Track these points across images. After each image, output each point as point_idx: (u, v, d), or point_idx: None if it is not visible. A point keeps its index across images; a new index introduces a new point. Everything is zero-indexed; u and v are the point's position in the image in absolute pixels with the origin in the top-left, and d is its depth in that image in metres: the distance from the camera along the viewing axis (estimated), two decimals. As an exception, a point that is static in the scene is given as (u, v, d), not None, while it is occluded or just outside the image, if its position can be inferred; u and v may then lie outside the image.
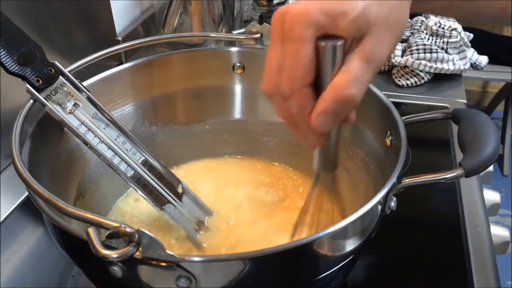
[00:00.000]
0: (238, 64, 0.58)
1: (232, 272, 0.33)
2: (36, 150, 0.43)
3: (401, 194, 0.39)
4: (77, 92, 0.44)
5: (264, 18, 0.89)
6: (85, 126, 0.44)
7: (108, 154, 0.45)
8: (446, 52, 0.88)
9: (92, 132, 0.44)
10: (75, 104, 0.43)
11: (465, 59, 0.89)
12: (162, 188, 0.49)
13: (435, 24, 0.89)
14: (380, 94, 0.48)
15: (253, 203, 0.57)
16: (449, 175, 0.38)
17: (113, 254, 0.28)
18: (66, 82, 0.43)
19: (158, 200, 0.48)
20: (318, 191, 0.43)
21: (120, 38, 0.91)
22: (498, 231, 0.63)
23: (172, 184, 0.50)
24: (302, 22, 0.31)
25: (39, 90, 0.41)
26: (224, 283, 0.33)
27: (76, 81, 0.44)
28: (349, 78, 0.31)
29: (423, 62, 0.86)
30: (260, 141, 0.63)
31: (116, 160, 0.46)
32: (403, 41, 0.93)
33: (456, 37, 0.87)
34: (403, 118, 0.45)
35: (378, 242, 0.42)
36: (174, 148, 0.61)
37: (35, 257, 0.56)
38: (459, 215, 0.59)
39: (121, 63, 0.55)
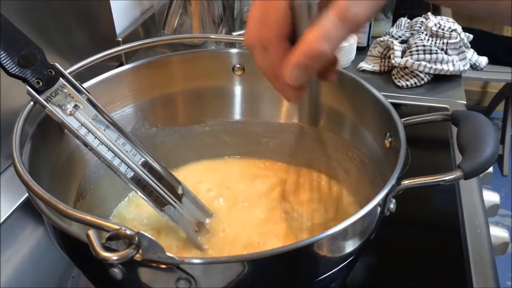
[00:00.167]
0: (238, 66, 0.59)
1: (232, 274, 0.33)
2: (36, 152, 0.43)
3: (400, 195, 0.39)
4: (77, 94, 0.44)
5: (264, 19, 0.89)
6: (85, 127, 0.44)
7: (108, 155, 0.45)
8: (446, 53, 0.88)
9: (92, 134, 0.44)
10: (75, 106, 0.43)
11: (464, 60, 0.90)
12: (162, 189, 0.49)
13: (435, 25, 0.90)
14: (380, 95, 0.48)
15: (253, 204, 0.57)
16: (448, 177, 0.38)
17: (113, 257, 0.28)
18: (66, 84, 0.43)
19: (158, 202, 0.48)
20: (303, 146, 0.43)
21: (120, 39, 0.92)
22: (498, 232, 0.63)
23: (172, 185, 0.50)
24: None
25: (39, 92, 0.41)
26: (224, 285, 0.34)
27: (76, 83, 0.44)
28: (320, 33, 0.31)
29: (423, 63, 0.86)
30: (260, 142, 0.63)
31: (116, 162, 0.46)
32: (403, 42, 0.93)
33: (456, 38, 0.87)
34: (403, 119, 0.45)
35: (378, 243, 0.43)
36: (174, 149, 0.61)
37: (35, 258, 0.56)
38: (459, 216, 0.59)
39: (121, 64, 0.56)
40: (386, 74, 0.92)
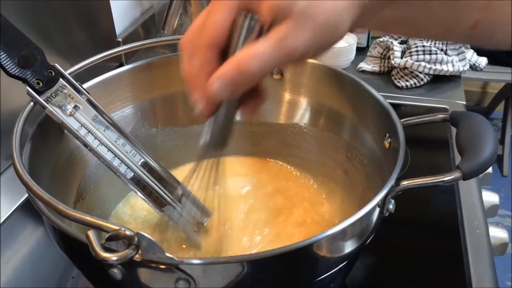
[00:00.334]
0: (238, 66, 0.59)
1: (231, 275, 0.33)
2: (36, 152, 0.43)
3: (399, 195, 0.40)
4: (77, 95, 0.44)
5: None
6: (85, 128, 0.44)
7: (108, 156, 0.45)
8: (446, 53, 0.88)
9: (92, 134, 0.44)
10: (75, 106, 0.43)
11: (464, 60, 0.90)
12: (162, 190, 0.49)
13: (435, 25, 0.89)
14: (379, 96, 0.48)
15: (253, 204, 0.57)
16: (447, 178, 0.39)
17: (112, 257, 0.28)
18: (66, 85, 0.43)
19: (158, 202, 0.49)
20: (204, 168, 0.43)
21: (120, 39, 0.92)
22: (497, 233, 0.63)
23: (171, 185, 0.50)
24: None
25: (39, 92, 0.41)
26: (223, 285, 0.34)
27: (76, 84, 0.44)
28: (254, 53, 0.31)
29: (423, 63, 0.86)
30: (259, 142, 0.63)
31: (116, 162, 0.46)
32: (402, 42, 0.94)
33: (456, 38, 0.87)
34: (402, 120, 0.45)
35: (377, 243, 0.43)
36: (174, 149, 0.61)
37: (35, 258, 0.56)
38: (458, 216, 0.59)
39: (121, 64, 0.56)
40: (386, 75, 0.93)
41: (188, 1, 0.92)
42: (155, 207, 0.48)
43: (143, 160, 0.48)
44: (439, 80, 0.89)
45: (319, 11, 0.31)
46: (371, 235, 0.41)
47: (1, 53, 0.39)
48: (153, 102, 0.58)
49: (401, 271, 0.54)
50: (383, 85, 0.89)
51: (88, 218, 0.31)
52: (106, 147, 0.45)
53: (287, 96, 0.59)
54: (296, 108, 0.59)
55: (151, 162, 0.48)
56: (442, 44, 0.88)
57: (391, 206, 0.40)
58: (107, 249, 0.29)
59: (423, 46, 0.86)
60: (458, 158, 0.40)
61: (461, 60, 0.89)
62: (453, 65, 0.87)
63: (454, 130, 0.45)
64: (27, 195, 0.60)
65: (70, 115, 0.43)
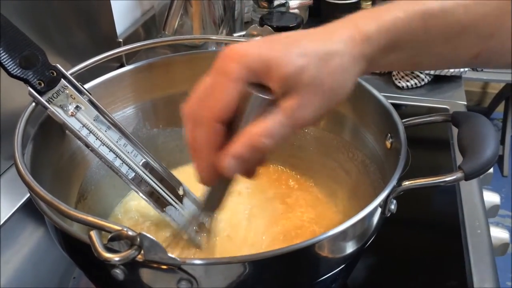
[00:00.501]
0: (239, 67, 0.59)
1: (233, 275, 0.33)
2: (38, 153, 0.43)
3: (401, 196, 0.40)
4: (79, 95, 0.44)
5: (265, 20, 0.89)
6: (87, 128, 0.44)
7: (110, 156, 0.45)
8: (446, 53, 0.88)
9: (94, 135, 0.44)
10: (77, 107, 0.44)
11: (465, 60, 0.90)
12: (163, 190, 0.49)
13: (435, 25, 0.90)
14: (381, 96, 0.48)
15: (254, 204, 0.57)
16: (448, 178, 0.39)
17: (115, 257, 0.29)
18: (68, 85, 0.43)
19: (159, 202, 0.49)
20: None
21: (121, 40, 0.92)
22: (498, 233, 0.63)
23: (173, 186, 0.50)
24: (238, 61, 0.31)
25: (41, 93, 0.41)
26: (225, 285, 0.34)
27: (78, 84, 0.44)
28: (265, 129, 0.31)
29: (423, 63, 0.86)
30: (260, 143, 0.63)
31: (117, 163, 0.46)
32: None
33: (456, 38, 0.87)
34: (403, 120, 0.45)
35: (378, 244, 0.43)
36: (175, 150, 0.61)
37: (36, 258, 0.56)
38: (459, 216, 0.59)
39: (122, 65, 0.56)
40: (386, 75, 0.92)
41: (188, 1, 0.92)
42: (156, 208, 0.48)
43: (144, 160, 0.48)
44: (440, 81, 0.89)
45: (326, 75, 0.31)
46: (373, 235, 0.41)
47: (2, 53, 0.39)
48: (154, 102, 0.58)
49: (402, 271, 0.54)
50: (384, 86, 0.89)
51: (90, 218, 0.31)
52: (107, 147, 0.45)
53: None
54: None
55: (152, 163, 0.48)
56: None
57: (392, 207, 0.40)
58: (110, 250, 0.29)
59: (424, 46, 0.86)
60: (459, 159, 0.40)
61: (462, 61, 0.89)
62: (453, 66, 0.87)
63: (455, 130, 0.45)
64: (28, 195, 0.60)
65: (72, 115, 0.43)
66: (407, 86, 0.88)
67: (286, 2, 1.04)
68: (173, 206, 0.49)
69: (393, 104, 0.47)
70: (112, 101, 0.54)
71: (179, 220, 0.50)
